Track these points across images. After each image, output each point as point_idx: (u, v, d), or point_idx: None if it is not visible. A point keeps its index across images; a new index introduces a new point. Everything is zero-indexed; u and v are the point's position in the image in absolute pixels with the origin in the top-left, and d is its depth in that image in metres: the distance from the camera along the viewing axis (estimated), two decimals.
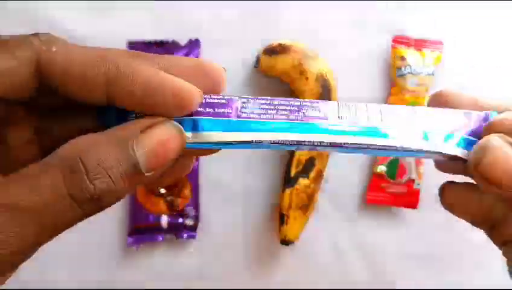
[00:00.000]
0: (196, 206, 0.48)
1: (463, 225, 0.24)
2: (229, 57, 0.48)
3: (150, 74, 0.18)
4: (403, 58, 0.47)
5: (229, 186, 0.48)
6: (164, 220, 0.47)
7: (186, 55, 0.47)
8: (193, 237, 0.47)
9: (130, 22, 0.47)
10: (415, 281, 0.49)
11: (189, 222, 0.47)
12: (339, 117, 0.22)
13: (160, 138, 0.18)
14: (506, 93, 0.49)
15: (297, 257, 0.49)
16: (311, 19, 0.48)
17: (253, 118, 0.21)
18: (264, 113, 0.21)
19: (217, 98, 0.21)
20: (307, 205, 0.45)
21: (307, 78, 0.44)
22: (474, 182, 0.22)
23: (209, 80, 0.20)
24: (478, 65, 0.49)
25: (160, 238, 0.47)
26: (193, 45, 0.47)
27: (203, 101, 0.21)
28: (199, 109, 0.21)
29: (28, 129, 0.20)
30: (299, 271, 0.49)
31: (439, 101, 0.24)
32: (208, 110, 0.21)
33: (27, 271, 0.47)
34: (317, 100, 0.22)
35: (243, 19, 0.48)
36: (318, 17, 0.48)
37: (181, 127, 0.19)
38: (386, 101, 0.48)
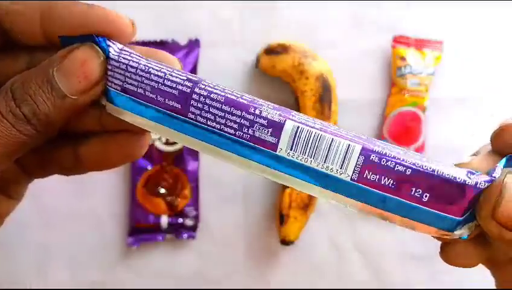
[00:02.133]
0: (196, 206, 0.48)
1: None
2: (229, 57, 0.48)
3: (83, 5, 0.20)
4: (403, 58, 0.47)
5: (229, 186, 0.48)
6: (164, 220, 0.47)
7: (186, 54, 0.47)
8: (193, 237, 0.47)
9: None
10: (415, 281, 0.49)
11: (189, 222, 0.47)
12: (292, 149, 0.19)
13: (78, 58, 0.20)
14: (506, 94, 0.49)
15: (297, 257, 0.49)
16: (311, 18, 0.48)
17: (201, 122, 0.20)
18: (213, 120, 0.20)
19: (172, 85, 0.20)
20: (307, 205, 0.45)
21: (307, 78, 0.44)
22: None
23: (115, 30, 0.21)
24: (478, 65, 0.49)
25: (160, 238, 0.47)
26: (193, 45, 0.47)
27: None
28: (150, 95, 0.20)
29: None
30: (299, 271, 0.49)
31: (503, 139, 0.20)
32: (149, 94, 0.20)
33: (27, 271, 0.47)
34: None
35: (242, 19, 0.48)
36: (318, 16, 0.48)
37: (98, 48, 0.20)
38: (386, 101, 0.48)
